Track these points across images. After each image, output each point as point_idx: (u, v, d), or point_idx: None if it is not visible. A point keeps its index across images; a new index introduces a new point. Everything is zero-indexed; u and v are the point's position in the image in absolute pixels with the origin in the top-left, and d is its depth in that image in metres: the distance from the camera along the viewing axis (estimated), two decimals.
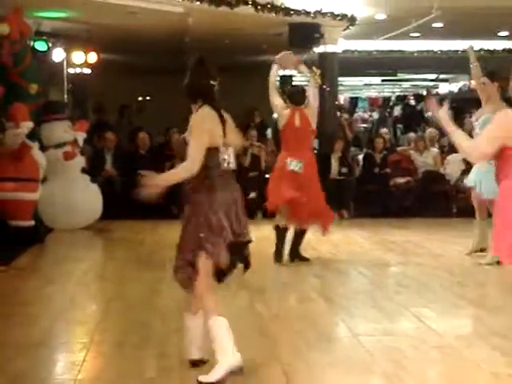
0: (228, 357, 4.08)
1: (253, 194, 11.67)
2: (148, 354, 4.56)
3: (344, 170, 12.10)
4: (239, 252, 4.27)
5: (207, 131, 4.10)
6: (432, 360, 4.61)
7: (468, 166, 11.94)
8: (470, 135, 4.93)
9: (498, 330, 5.14)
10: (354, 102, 24.06)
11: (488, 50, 16.25)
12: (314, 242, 9.21)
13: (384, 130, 13.93)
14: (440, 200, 12.02)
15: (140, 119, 15.62)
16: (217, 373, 4.07)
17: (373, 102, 23.94)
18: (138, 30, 12.27)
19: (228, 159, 4.19)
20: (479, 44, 15.95)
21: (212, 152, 4.13)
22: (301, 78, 19.15)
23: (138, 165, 11.55)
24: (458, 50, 16.08)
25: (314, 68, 13.39)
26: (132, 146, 12.40)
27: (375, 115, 22.32)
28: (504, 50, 16.52)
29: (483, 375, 4.24)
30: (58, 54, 11.78)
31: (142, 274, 7.17)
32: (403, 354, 4.61)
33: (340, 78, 14.67)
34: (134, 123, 14.73)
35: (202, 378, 4.07)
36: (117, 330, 5.20)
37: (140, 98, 17.65)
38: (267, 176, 11.71)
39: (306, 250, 8.63)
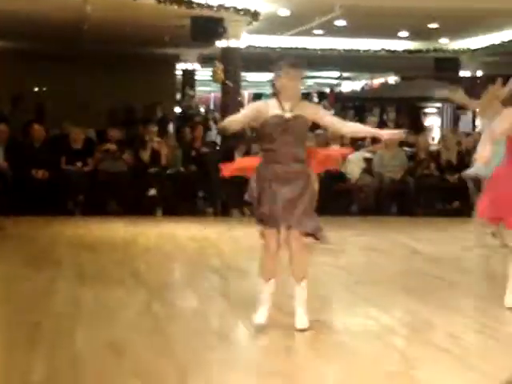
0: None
1: (153, 191, 11.39)
2: (37, 357, 4.32)
3: None
4: None
5: None
6: (327, 357, 4.53)
7: (368, 166, 12.07)
8: None
9: (391, 325, 5.14)
10: (258, 97, 24.11)
11: (389, 50, 16.53)
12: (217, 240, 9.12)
13: None
14: (341, 198, 12.01)
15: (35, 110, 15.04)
16: None
17: None
18: (34, 16, 11.84)
19: None
20: (380, 44, 16.23)
21: None
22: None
23: (32, 158, 11.13)
24: (360, 49, 16.29)
25: (216, 63, 13.37)
26: (26, 138, 11.90)
27: None
28: (404, 50, 16.84)
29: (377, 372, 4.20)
30: None
31: (34, 273, 6.85)
32: (297, 352, 4.55)
33: (244, 74, 14.64)
34: (29, 114, 14.14)
35: None
36: (4, 332, 4.92)
37: (36, 89, 17.08)
38: (168, 172, 11.54)
39: (206, 247, 8.53)
